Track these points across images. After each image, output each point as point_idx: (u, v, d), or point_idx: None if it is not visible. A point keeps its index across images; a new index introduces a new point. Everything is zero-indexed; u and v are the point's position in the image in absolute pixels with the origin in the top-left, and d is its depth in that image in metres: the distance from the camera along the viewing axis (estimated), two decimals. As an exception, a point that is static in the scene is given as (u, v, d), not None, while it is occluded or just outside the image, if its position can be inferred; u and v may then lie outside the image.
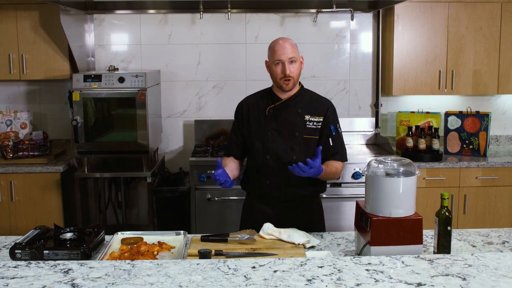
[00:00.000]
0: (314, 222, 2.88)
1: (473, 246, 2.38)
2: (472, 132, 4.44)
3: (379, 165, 2.26)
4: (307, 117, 2.79)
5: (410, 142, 4.38)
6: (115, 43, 4.72)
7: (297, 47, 2.78)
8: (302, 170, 2.51)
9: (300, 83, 2.88)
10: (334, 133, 2.82)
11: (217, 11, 4.64)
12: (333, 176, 2.81)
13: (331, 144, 2.81)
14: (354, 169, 4.13)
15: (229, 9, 4.44)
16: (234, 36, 4.73)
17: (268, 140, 2.80)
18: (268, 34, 4.71)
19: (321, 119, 2.80)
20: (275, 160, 2.79)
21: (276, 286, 1.54)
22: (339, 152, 2.83)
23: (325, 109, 2.83)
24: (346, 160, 2.88)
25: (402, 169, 2.24)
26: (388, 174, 2.20)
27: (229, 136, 3.00)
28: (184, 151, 4.83)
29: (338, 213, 4.14)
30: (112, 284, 1.57)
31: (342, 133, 2.90)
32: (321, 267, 1.69)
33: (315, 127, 2.79)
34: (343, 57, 4.80)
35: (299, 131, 2.79)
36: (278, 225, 2.59)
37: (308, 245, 2.41)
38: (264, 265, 1.70)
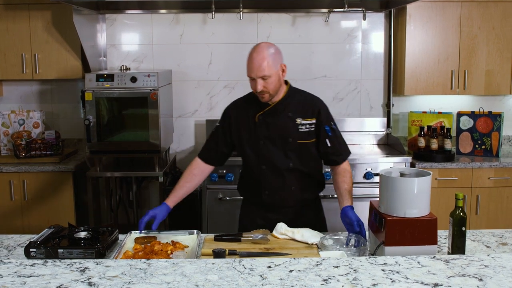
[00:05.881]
0: (317, 223, 2.81)
1: (488, 247, 2.37)
2: (484, 133, 4.41)
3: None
4: (298, 121, 2.67)
5: (422, 142, 4.36)
6: (127, 43, 4.74)
7: (273, 59, 2.56)
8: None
9: (287, 82, 2.75)
10: (330, 134, 2.70)
11: (228, 11, 4.65)
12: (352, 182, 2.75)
13: (329, 145, 2.70)
14: (366, 169, 4.12)
15: (241, 9, 4.44)
16: (245, 36, 4.73)
17: (262, 149, 2.71)
18: (279, 34, 4.72)
19: (314, 121, 2.69)
20: (271, 169, 2.71)
21: (292, 286, 1.54)
22: (340, 153, 2.74)
23: (317, 110, 2.70)
24: (349, 154, 2.78)
25: (416, 169, 2.24)
26: (402, 175, 2.20)
27: (208, 140, 2.89)
28: (195, 150, 4.83)
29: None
30: (129, 283, 1.58)
31: (340, 131, 2.79)
32: (336, 267, 1.69)
33: (308, 130, 2.69)
34: (355, 57, 4.79)
35: (292, 136, 2.68)
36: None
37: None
38: (280, 264, 1.70)
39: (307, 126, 2.69)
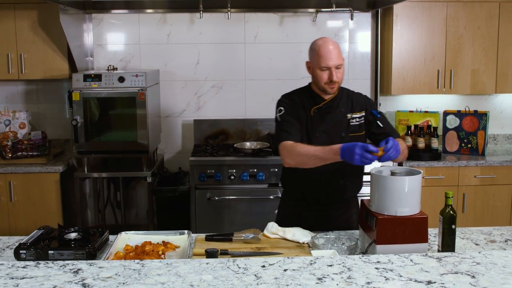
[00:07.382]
0: (353, 222, 2.81)
1: (477, 245, 2.40)
2: (470, 131, 4.46)
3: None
4: (349, 115, 2.76)
5: (409, 141, 4.39)
6: (113, 42, 4.71)
7: (340, 50, 2.69)
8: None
9: None
10: (379, 116, 2.78)
11: (216, 10, 4.64)
12: (405, 152, 2.70)
13: (382, 125, 2.76)
14: (354, 168, 4.13)
15: (229, 9, 4.44)
16: (233, 36, 4.73)
17: (317, 142, 2.69)
18: (267, 34, 4.72)
19: (363, 114, 2.78)
20: None
21: (287, 285, 1.54)
22: (393, 131, 2.81)
23: (364, 103, 2.81)
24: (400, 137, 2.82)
25: (406, 168, 2.27)
26: (393, 173, 2.21)
27: (287, 122, 2.73)
28: (183, 150, 4.82)
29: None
30: (123, 284, 1.57)
31: None
32: (330, 265, 1.69)
33: (358, 123, 2.77)
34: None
35: (345, 131, 2.75)
36: (318, 228, 2.57)
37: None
38: (274, 264, 1.71)
39: (357, 119, 2.77)
